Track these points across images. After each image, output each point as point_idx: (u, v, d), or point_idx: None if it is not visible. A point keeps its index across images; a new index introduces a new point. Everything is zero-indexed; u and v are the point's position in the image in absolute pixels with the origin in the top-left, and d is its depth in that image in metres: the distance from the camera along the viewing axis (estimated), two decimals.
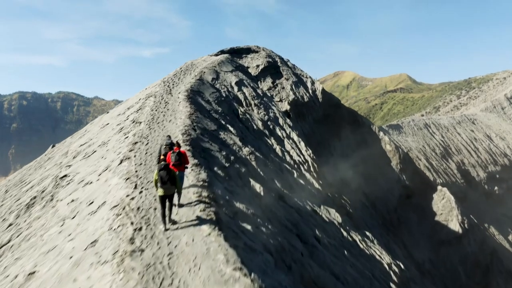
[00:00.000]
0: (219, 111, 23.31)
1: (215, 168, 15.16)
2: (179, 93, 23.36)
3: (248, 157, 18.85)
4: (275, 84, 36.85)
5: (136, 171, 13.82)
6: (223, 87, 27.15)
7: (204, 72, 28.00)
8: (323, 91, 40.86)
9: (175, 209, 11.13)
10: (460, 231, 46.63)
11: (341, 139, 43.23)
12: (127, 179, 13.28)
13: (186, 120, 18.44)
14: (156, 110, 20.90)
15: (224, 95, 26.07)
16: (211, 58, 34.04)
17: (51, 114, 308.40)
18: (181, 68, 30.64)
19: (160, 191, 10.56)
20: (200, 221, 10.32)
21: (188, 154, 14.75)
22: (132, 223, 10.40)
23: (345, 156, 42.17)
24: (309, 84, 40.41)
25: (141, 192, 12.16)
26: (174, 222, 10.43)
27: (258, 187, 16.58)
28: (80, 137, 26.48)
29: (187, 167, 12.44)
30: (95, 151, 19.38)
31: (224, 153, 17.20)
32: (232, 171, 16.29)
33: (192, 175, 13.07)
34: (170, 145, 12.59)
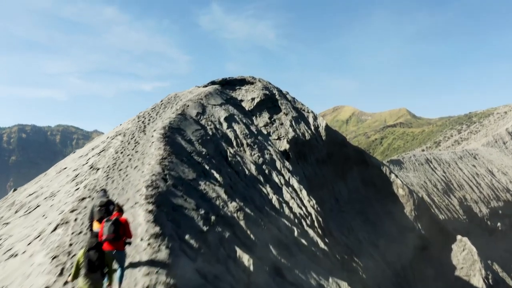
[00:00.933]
0: (203, 153, 19.81)
1: (187, 237, 11.48)
2: (154, 131, 19.91)
3: (235, 215, 15.18)
4: (272, 119, 33.59)
5: (71, 244, 10.13)
6: (209, 123, 23.75)
7: (188, 106, 24.62)
8: (327, 127, 37.61)
9: None
10: None
11: (347, 182, 39.59)
12: (54, 258, 9.59)
13: (156, 167, 14.89)
14: (121, 152, 17.39)
15: (210, 133, 22.65)
16: (198, 90, 30.80)
17: (50, 147, 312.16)
18: (161, 101, 27.31)
19: (82, 283, 7.00)
20: None
21: (149, 217, 11.12)
22: None
23: (351, 201, 38.43)
24: (311, 120, 37.20)
25: (66, 283, 8.45)
26: None
27: (246, 259, 12.84)
28: (37, 182, 22.83)
29: (129, 244, 8.82)
30: (38, 206, 15.71)
31: (202, 211, 13.56)
32: (212, 237, 12.60)
33: (147, 253, 9.39)
34: (106, 207, 9.04)
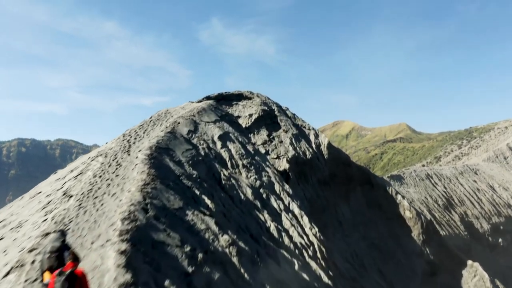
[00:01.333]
0: (194, 176, 18.14)
1: (167, 283, 9.75)
2: (139, 151, 18.25)
3: (227, 250, 13.44)
4: (271, 137, 32.01)
5: None
6: (202, 142, 22.12)
7: (179, 123, 23.01)
8: (329, 145, 36.02)
9: None
10: None
11: (351, 204, 37.85)
12: None
13: (136, 195, 13.19)
14: (100, 176, 15.70)
15: (202, 153, 21.00)
16: (191, 106, 29.23)
17: (50, 162, 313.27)
18: (151, 118, 25.73)
19: None
20: None
21: (121, 261, 9.39)
22: None
23: (356, 224, 36.64)
24: (312, 137, 35.63)
25: None
26: None
27: None
28: (11, 206, 21.04)
29: None
30: (2, 238, 13.96)
31: (188, 248, 11.83)
32: (198, 282, 10.85)
33: None
34: (58, 253, 7.38)
